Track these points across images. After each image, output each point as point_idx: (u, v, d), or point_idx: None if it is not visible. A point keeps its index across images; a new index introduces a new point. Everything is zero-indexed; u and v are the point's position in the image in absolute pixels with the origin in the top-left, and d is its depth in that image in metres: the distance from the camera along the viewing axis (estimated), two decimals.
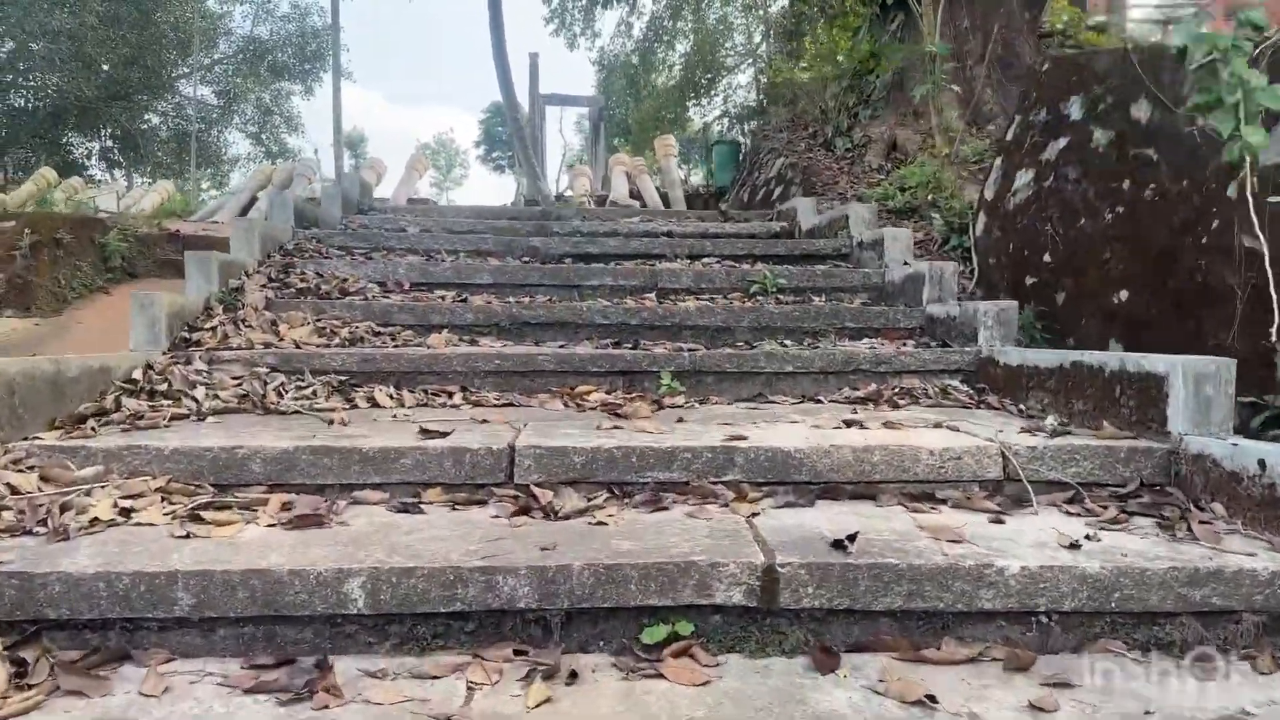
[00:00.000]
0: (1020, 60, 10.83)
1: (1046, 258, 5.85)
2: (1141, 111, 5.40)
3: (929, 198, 8.51)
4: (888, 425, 3.06)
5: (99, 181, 26.03)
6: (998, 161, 6.83)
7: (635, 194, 17.70)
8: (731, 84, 31.84)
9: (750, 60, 31.08)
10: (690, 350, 4.05)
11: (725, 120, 32.04)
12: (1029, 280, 5.98)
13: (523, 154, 17.67)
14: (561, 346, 4.28)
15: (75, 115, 23.31)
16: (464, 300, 4.76)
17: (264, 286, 4.53)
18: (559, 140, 51.05)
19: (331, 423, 3.06)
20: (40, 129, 23.64)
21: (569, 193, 19.06)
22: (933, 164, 9.05)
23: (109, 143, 25.66)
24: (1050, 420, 3.19)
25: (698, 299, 4.90)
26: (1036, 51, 11.18)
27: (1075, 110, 5.98)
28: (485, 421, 3.19)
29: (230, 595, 1.97)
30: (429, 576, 1.99)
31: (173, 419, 3.18)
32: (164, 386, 3.46)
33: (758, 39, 31.13)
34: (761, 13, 29.96)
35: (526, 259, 5.49)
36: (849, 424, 3.10)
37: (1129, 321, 5.05)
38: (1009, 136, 6.74)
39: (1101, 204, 5.54)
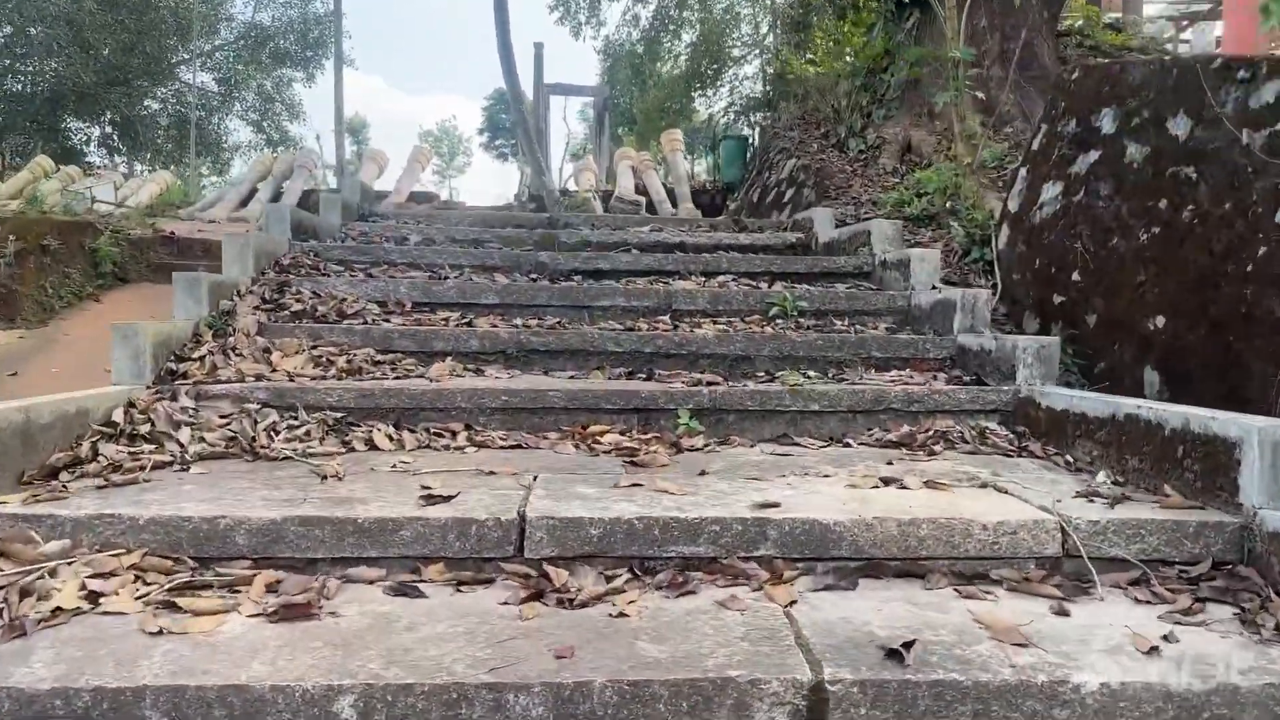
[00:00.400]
0: (1039, 60, 10.53)
1: (1075, 276, 5.60)
2: (1180, 128, 5.14)
3: (947, 205, 8.25)
4: (930, 485, 2.81)
5: (99, 168, 25.76)
6: (1022, 172, 6.57)
7: (641, 189, 17.42)
8: (738, 75, 31.52)
9: (757, 51, 30.76)
10: (709, 386, 3.79)
11: (731, 112, 31.77)
12: (1056, 299, 5.73)
13: (527, 148, 17.38)
14: (572, 377, 4.03)
15: (74, 101, 22.98)
16: (469, 323, 4.51)
17: (257, 309, 4.28)
18: (563, 128, 50.64)
19: (325, 477, 2.81)
20: (38, 115, 23.32)
21: (573, 187, 18.80)
22: (950, 169, 8.78)
23: (108, 129, 25.33)
24: (1102, 478, 2.94)
25: (715, 323, 4.65)
26: (1055, 52, 10.90)
27: (1107, 123, 5.72)
28: (491, 473, 2.94)
29: (206, 715, 1.72)
30: (429, 694, 1.74)
31: (154, 467, 2.93)
32: (146, 428, 3.21)
33: (765, 30, 30.82)
34: (769, 3, 29.64)
35: (534, 275, 5.23)
36: (887, 481, 2.85)
37: (1166, 350, 4.80)
38: (1035, 146, 6.48)
39: (1135, 223, 5.28)
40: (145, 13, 22.38)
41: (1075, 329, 5.41)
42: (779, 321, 4.69)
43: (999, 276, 6.30)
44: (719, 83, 31.09)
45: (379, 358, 4.03)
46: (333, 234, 6.12)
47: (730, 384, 3.89)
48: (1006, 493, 2.77)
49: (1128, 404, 3.05)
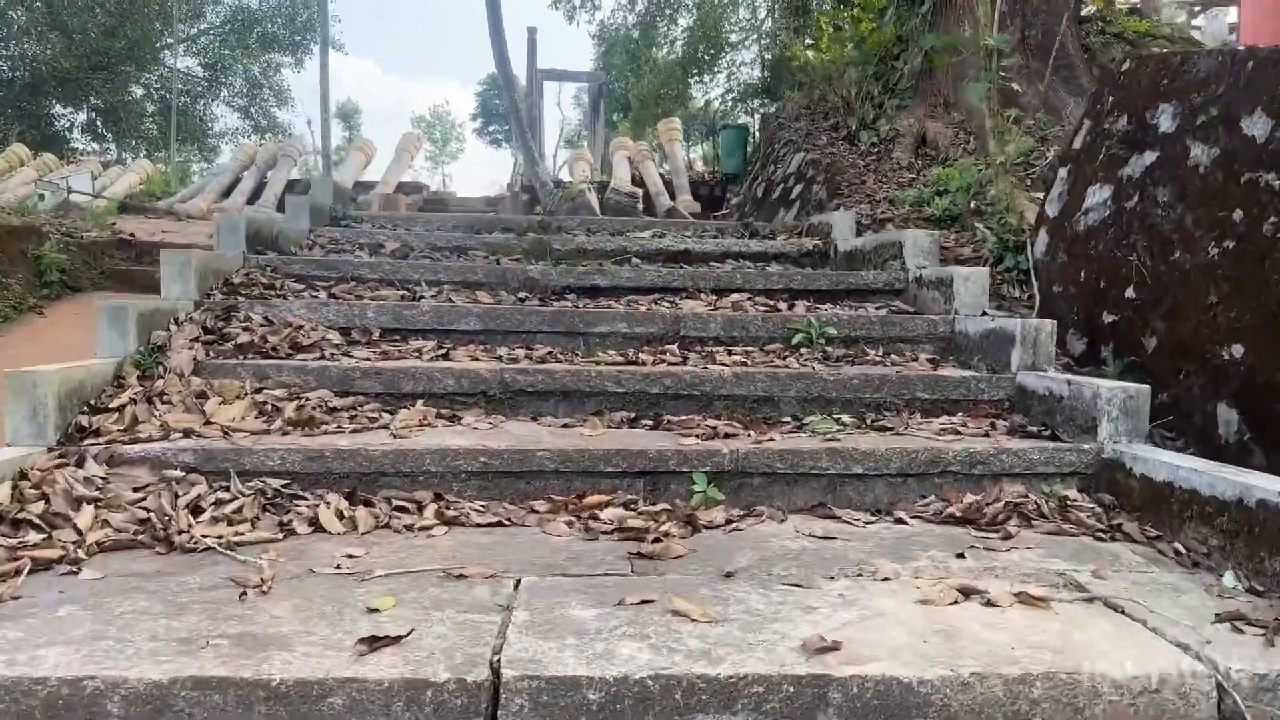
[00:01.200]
0: (1063, 48, 9.83)
1: (1130, 293, 4.96)
2: (1257, 128, 4.48)
3: (972, 204, 7.60)
4: (1023, 600, 2.17)
5: (82, 155, 24.97)
6: (1062, 173, 5.92)
7: (637, 180, 16.72)
8: (735, 61, 30.78)
9: (755, 37, 30.02)
10: (728, 440, 3.15)
11: (729, 99, 31.02)
12: (1107, 318, 5.09)
13: (520, 139, 16.69)
14: (565, 425, 3.37)
15: (54, 86, 22.19)
16: (445, 354, 3.85)
17: (195, 341, 3.61)
18: (556, 114, 49.82)
19: (245, 591, 2.16)
20: (19, 100, 22.52)
21: (568, 177, 18.15)
22: (973, 166, 8.12)
23: (92, 115, 24.53)
24: (1231, 580, 2.30)
25: (730, 352, 4.00)
26: (1078, 39, 10.22)
27: (1166, 120, 5.07)
28: (462, 576, 2.30)
29: None
30: None
31: (35, 570, 2.29)
32: (39, 507, 2.56)
33: (763, 14, 30.05)
34: None
35: (523, 295, 4.56)
36: (966, 593, 2.21)
37: (1246, 385, 4.15)
38: (1077, 144, 5.83)
39: (1203, 235, 4.63)
40: None
41: (1131, 354, 4.78)
42: (803, 351, 4.04)
43: (1037, 289, 5.65)
44: (716, 68, 30.36)
45: (336, 402, 3.37)
46: (299, 242, 5.45)
47: (753, 436, 3.24)
48: (1123, 612, 2.14)
49: (1263, 486, 2.41)
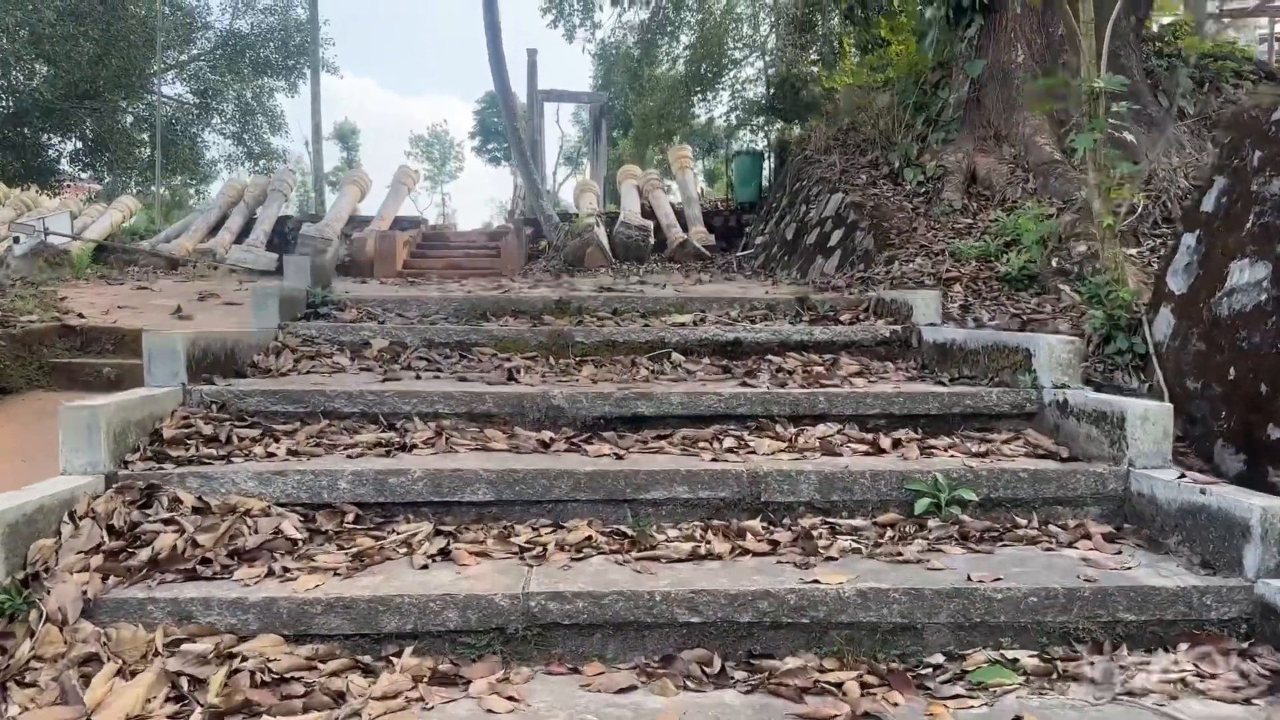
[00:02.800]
0: (1127, 74, 8.73)
1: None
2: None
3: (1053, 261, 6.50)
4: None
5: (69, 183, 23.88)
6: (1188, 240, 4.83)
7: (647, 212, 15.61)
8: (738, 78, 29.78)
9: (758, 53, 29.00)
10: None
11: (733, 117, 29.97)
12: (1275, 433, 3.99)
13: (524, 170, 15.60)
14: (622, 690, 2.26)
15: (38, 116, 21.10)
16: (444, 552, 2.73)
17: (94, 553, 2.51)
18: (555, 131, 48.82)
19: None
20: (3, 130, 21.45)
21: (572, 206, 16.98)
22: (1043, 212, 7.02)
23: (79, 145, 23.45)
24: None
25: (834, 531, 2.88)
26: (1141, 63, 9.13)
27: None
28: None
29: None
30: None
31: None
32: None
33: (765, 30, 29.03)
34: (771, 2, 27.84)
35: (547, 434, 3.44)
36: None
37: None
38: (1207, 206, 4.73)
39: None
40: (112, 23, 20.47)
41: None
42: (932, 526, 2.93)
43: (1161, 380, 4.55)
44: (719, 85, 29.35)
45: (285, 660, 2.26)
46: (264, 346, 4.34)
47: (901, 702, 2.13)
48: None
49: None
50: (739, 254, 11.60)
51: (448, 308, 5.24)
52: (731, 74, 29.27)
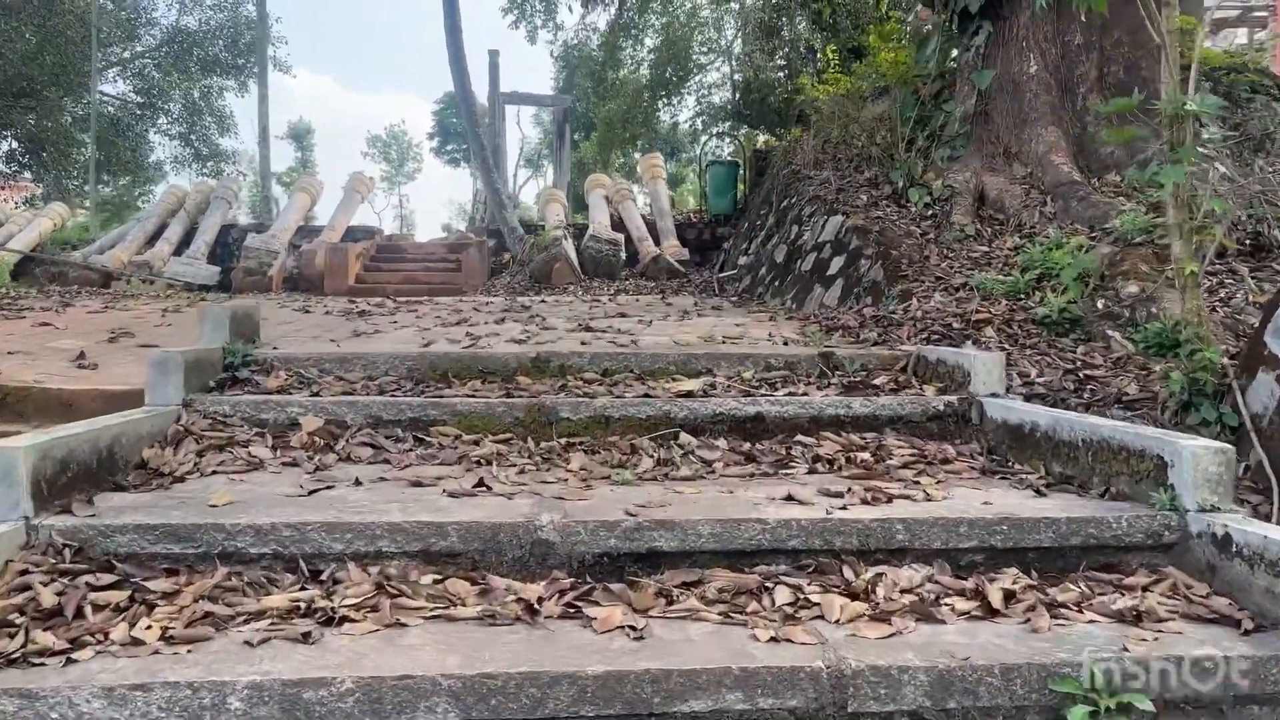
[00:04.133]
0: (1150, 86, 7.87)
1: None
2: None
3: (1098, 303, 5.63)
4: None
5: (6, 183, 22.34)
6: None
7: (617, 223, 14.64)
8: (704, 82, 28.91)
9: (724, 58, 28.14)
10: None
11: (699, 121, 29.08)
12: None
13: (486, 179, 14.47)
14: None
15: None
16: None
17: None
18: (517, 133, 47.61)
19: None
20: None
21: (536, 215, 15.91)
22: (1079, 245, 6.16)
23: (14, 145, 21.92)
24: None
25: None
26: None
27: None
28: None
29: None
30: None
31: None
32: None
33: (731, 34, 28.17)
34: (736, 6, 26.98)
35: (535, 591, 2.44)
36: None
37: None
38: None
39: None
40: (49, 18, 19.02)
41: None
42: None
43: (1267, 463, 3.68)
44: (684, 90, 28.47)
45: None
46: (159, 437, 3.31)
47: None
48: None
49: None
50: (720, 274, 10.65)
51: (400, 368, 4.21)
52: (697, 78, 28.40)
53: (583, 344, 4.85)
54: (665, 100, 28.23)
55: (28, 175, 22.23)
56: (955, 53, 8.62)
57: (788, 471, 3.35)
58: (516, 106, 35.42)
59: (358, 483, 3.04)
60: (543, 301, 9.17)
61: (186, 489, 2.95)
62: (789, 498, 2.90)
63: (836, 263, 7.35)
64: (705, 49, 28.00)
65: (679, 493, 2.99)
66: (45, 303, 8.19)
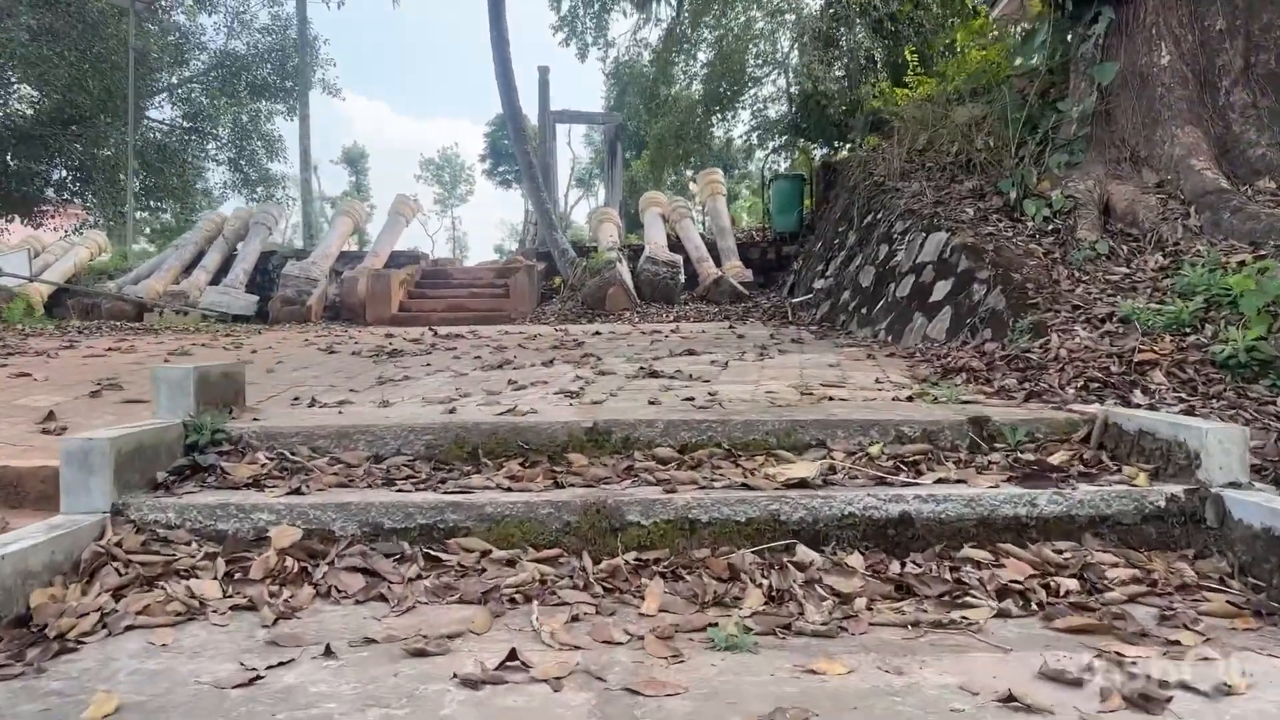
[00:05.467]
0: None
1: None
2: None
3: None
4: None
5: (54, 210, 21.99)
6: None
7: (675, 243, 13.59)
8: (759, 96, 27.83)
9: (780, 70, 27.03)
10: None
11: (754, 136, 27.99)
12: None
13: (536, 200, 13.51)
14: None
15: (15, 143, 19.24)
16: None
17: None
18: (567, 153, 46.92)
19: None
20: None
21: (588, 235, 14.89)
22: (1260, 271, 4.95)
23: (64, 173, 21.59)
24: None
25: None
26: None
27: None
28: None
29: None
30: None
31: None
32: None
33: (786, 45, 27.07)
34: (791, 17, 25.92)
35: None
36: None
37: None
38: None
39: None
40: (93, 43, 18.59)
41: None
42: None
43: None
44: (738, 104, 27.42)
45: None
46: (69, 567, 2.32)
47: None
48: None
49: None
50: (793, 299, 9.52)
51: (416, 443, 3.18)
52: (752, 92, 27.30)
53: (651, 403, 3.77)
54: (719, 115, 27.23)
55: (78, 202, 21.87)
56: (1063, 44, 7.42)
57: (967, 616, 2.24)
58: (567, 126, 34.66)
59: (329, 653, 2.00)
60: (596, 333, 8.13)
61: (71, 671, 1.93)
62: (1008, 699, 1.78)
63: (941, 287, 6.21)
64: (760, 61, 26.92)
65: (820, 679, 1.90)
66: (47, 342, 7.35)
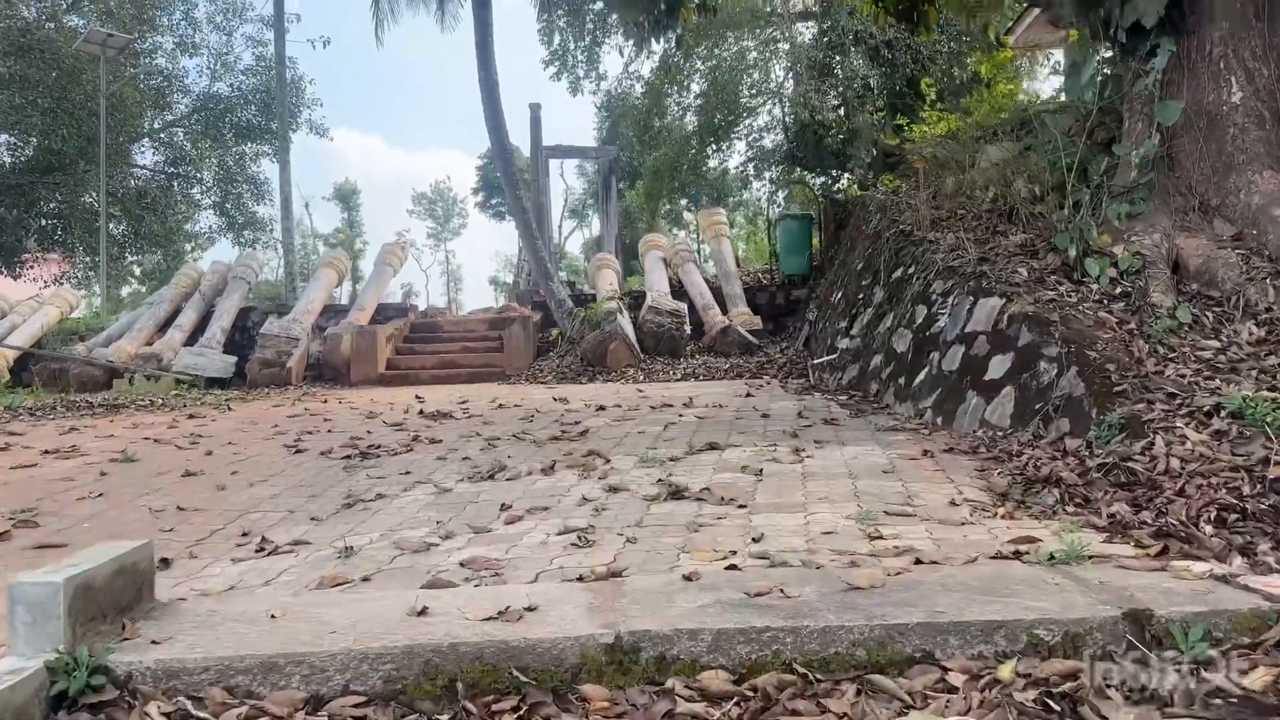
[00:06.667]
0: None
1: None
2: None
3: None
4: None
5: (35, 259, 21.12)
6: None
7: (678, 288, 12.74)
8: (754, 126, 27.13)
9: (775, 100, 26.35)
10: None
11: (750, 167, 27.23)
12: None
13: (529, 245, 12.59)
14: None
15: None
16: None
17: None
18: (560, 184, 46.18)
19: None
20: None
21: (587, 286, 14.03)
22: None
23: (44, 221, 20.73)
24: None
25: None
26: None
27: None
28: None
29: None
30: None
31: None
32: None
33: (780, 75, 26.42)
34: (786, 47, 25.28)
35: None
36: None
37: None
38: None
39: None
40: (69, 91, 17.79)
41: None
42: None
43: None
44: (733, 135, 26.71)
45: None
46: None
47: None
48: None
49: None
50: (816, 360, 8.63)
51: (369, 677, 2.27)
52: (747, 122, 26.57)
53: (687, 579, 2.87)
54: (714, 146, 26.53)
55: (58, 252, 21.01)
56: (1114, 80, 6.59)
57: None
58: (561, 159, 33.91)
59: None
60: (600, 409, 7.23)
61: None
62: None
63: (999, 363, 5.33)
64: (754, 91, 26.23)
65: None
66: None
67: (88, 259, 20.03)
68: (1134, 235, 5.89)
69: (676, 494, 4.08)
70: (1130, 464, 3.93)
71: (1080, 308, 5.34)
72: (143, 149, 21.06)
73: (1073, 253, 5.80)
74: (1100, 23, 6.36)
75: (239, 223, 22.66)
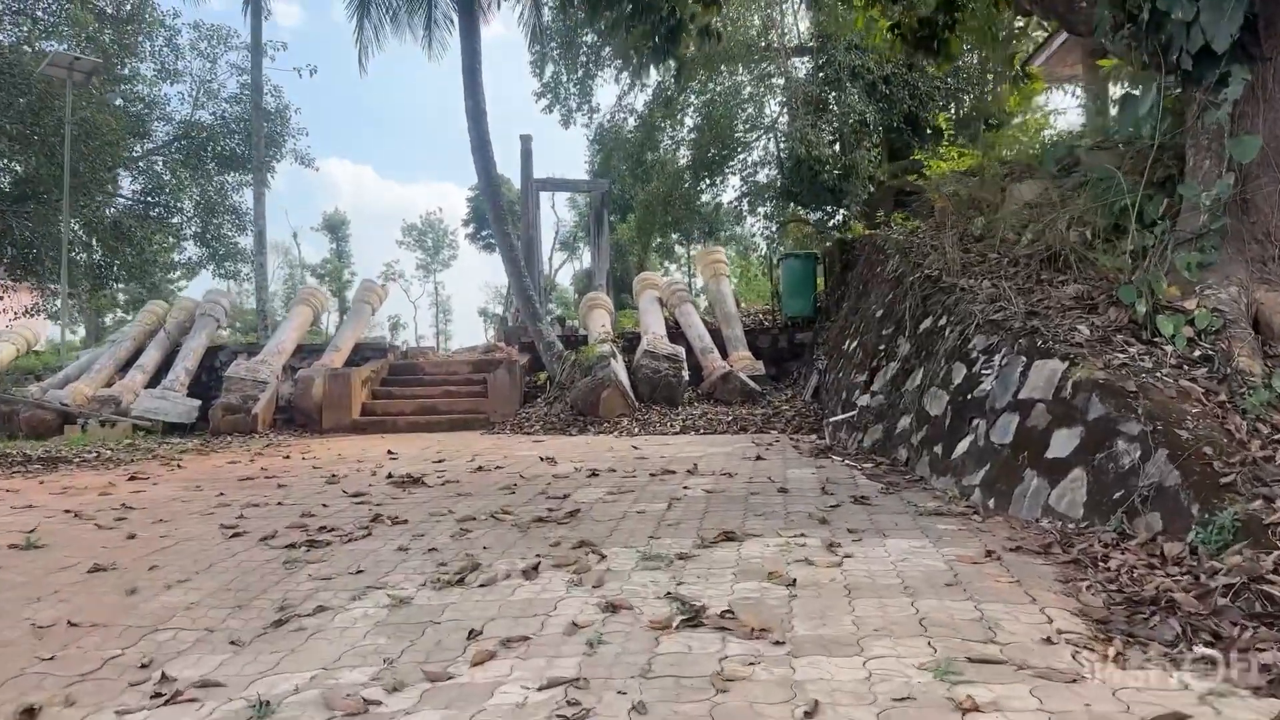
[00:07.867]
0: None
1: None
2: None
3: None
4: None
5: (5, 290, 20.12)
6: None
7: (675, 330, 11.89)
8: (748, 160, 26.47)
9: (770, 135, 25.72)
10: None
11: (745, 201, 26.53)
12: None
13: (518, 287, 11.71)
14: None
15: None
16: None
17: None
18: (551, 216, 45.49)
19: None
20: None
21: (580, 329, 13.18)
22: None
23: (15, 251, 19.75)
24: None
25: None
26: None
27: None
28: None
29: None
30: None
31: None
32: None
33: (774, 110, 25.85)
34: (780, 81, 24.69)
35: None
36: None
37: None
38: None
39: None
40: (41, 116, 16.94)
41: None
42: None
43: None
44: (727, 169, 26.04)
45: None
46: None
47: None
48: None
49: None
50: (833, 418, 7.76)
51: None
52: (741, 157, 25.92)
53: None
54: (708, 180, 25.84)
55: (30, 281, 20.03)
56: (1174, 113, 5.80)
57: None
58: (552, 192, 33.21)
59: None
60: (592, 474, 6.35)
61: None
62: None
63: (1064, 439, 4.48)
64: (748, 125, 25.59)
65: None
66: None
67: (52, 290, 19.06)
68: (1207, 289, 5.07)
69: (692, 619, 3.19)
70: (1265, 587, 3.07)
71: (1158, 375, 4.50)
72: (120, 177, 20.17)
73: (1141, 309, 4.97)
74: (1159, 49, 5.59)
75: (220, 254, 21.76)
